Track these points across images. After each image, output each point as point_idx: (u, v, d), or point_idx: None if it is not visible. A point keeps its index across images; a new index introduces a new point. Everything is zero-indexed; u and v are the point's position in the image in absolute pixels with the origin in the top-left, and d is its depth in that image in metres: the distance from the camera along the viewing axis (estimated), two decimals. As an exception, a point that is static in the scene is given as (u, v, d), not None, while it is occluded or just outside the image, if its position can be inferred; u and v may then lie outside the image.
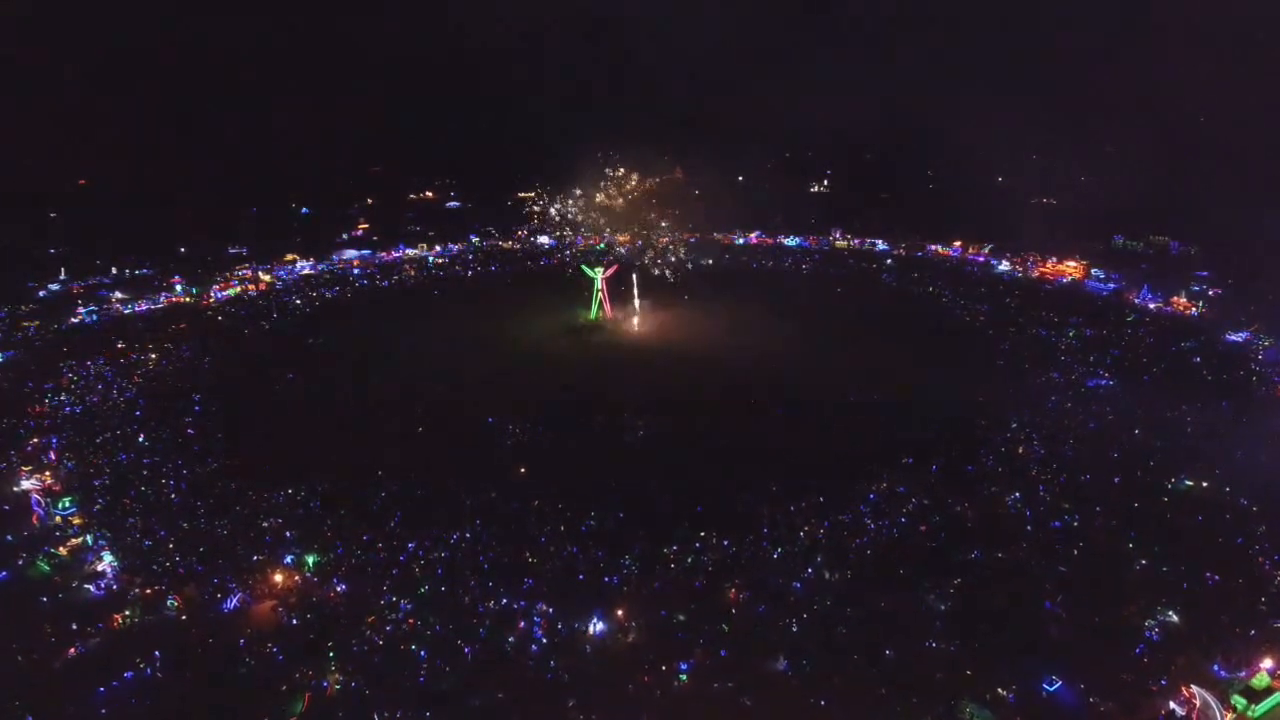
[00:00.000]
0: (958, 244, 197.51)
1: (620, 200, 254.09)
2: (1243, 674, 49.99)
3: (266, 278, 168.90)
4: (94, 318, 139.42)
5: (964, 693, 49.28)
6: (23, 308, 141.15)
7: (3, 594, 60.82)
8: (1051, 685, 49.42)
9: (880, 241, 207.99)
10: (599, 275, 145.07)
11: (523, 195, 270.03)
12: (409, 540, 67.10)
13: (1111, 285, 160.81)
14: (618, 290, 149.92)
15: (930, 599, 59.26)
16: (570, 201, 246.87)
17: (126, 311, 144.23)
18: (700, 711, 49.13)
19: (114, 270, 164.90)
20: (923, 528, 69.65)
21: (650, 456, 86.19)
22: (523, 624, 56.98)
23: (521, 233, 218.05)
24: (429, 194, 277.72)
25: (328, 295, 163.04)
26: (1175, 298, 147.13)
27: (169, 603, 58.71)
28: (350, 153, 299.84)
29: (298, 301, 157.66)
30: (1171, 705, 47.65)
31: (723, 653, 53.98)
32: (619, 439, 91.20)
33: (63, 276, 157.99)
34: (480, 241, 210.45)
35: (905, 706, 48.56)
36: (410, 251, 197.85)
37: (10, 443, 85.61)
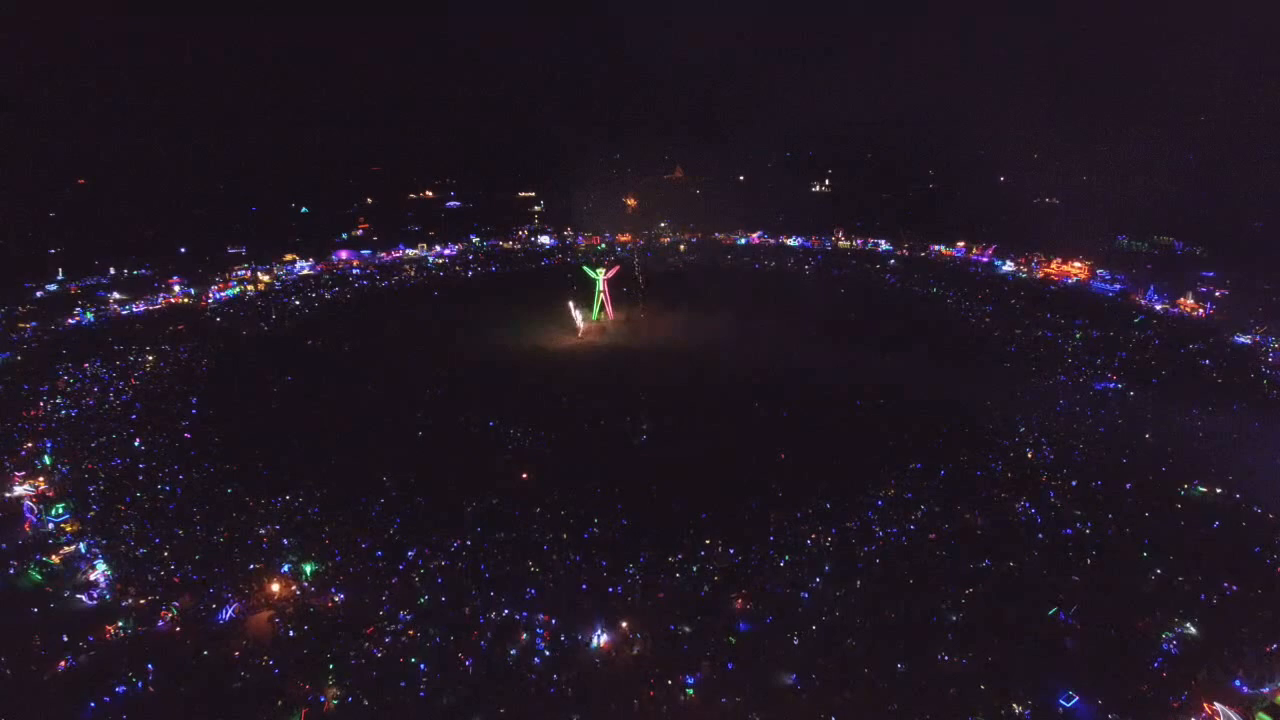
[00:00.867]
0: (961, 244, 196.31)
1: (621, 200, 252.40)
2: (1266, 689, 48.66)
3: (265, 278, 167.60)
4: (90, 318, 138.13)
5: (979, 708, 47.97)
6: (19, 308, 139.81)
7: (-6, 604, 59.47)
8: (1068, 701, 48.10)
9: (883, 242, 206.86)
10: (600, 276, 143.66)
11: (523, 195, 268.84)
12: (408, 548, 65.80)
13: (1117, 286, 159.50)
14: (619, 291, 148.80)
15: (942, 609, 57.94)
16: (571, 201, 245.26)
17: (124, 312, 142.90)
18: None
19: (112, 270, 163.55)
20: (932, 536, 68.32)
21: (653, 461, 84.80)
22: (525, 636, 55.66)
23: (522, 233, 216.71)
24: (428, 193, 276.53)
25: (326, 296, 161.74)
26: (1182, 299, 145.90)
27: (163, 613, 57.24)
28: (350, 152, 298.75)
29: (296, 302, 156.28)
30: (1193, 722, 46.47)
31: (729, 665, 52.70)
32: (622, 443, 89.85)
33: (60, 276, 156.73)
34: (481, 242, 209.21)
35: (919, 723, 47.32)
36: (410, 251, 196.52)
37: (3, 447, 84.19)
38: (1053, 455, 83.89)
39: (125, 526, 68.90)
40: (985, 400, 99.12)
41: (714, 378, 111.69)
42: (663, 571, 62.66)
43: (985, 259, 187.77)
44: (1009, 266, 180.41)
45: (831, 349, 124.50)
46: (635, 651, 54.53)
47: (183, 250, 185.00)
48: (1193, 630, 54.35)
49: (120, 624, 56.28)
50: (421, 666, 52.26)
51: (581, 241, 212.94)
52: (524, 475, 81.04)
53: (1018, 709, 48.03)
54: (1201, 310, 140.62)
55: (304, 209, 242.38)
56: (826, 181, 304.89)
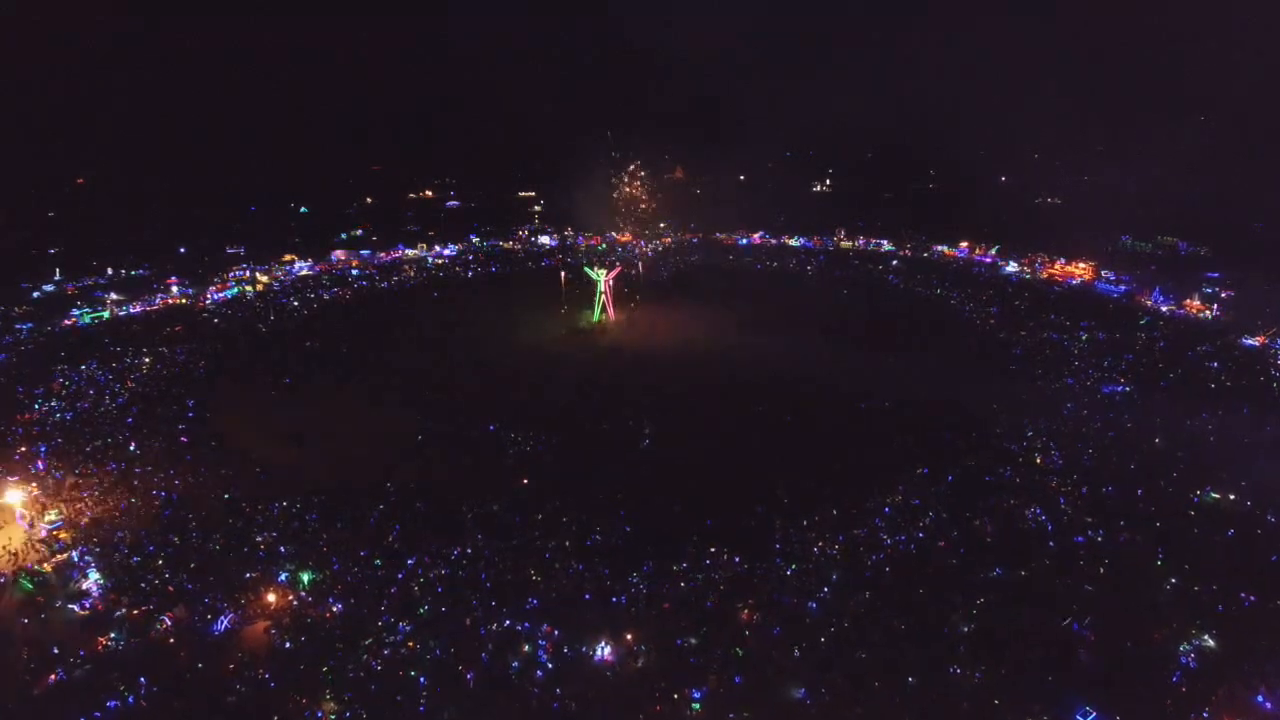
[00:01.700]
0: (964, 245, 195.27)
1: (623, 200, 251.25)
2: (1289, 706, 47.44)
3: (264, 278, 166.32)
4: (88, 319, 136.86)
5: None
6: (16, 309, 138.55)
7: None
8: (1085, 717, 46.82)
9: (885, 242, 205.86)
10: (602, 277, 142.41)
11: (523, 194, 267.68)
12: (408, 556, 64.55)
13: (1122, 287, 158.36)
14: (620, 291, 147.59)
15: (953, 620, 56.70)
16: (571, 201, 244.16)
17: (121, 313, 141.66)
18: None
19: (110, 271, 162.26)
20: (941, 543, 67.07)
21: (656, 466, 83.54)
22: (526, 647, 54.38)
23: (523, 232, 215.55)
24: (428, 193, 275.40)
25: (325, 297, 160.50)
26: (1188, 300, 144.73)
27: (157, 624, 55.96)
28: (350, 151, 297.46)
29: (295, 303, 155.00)
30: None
31: (737, 679, 51.43)
32: (624, 447, 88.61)
33: (58, 277, 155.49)
34: (481, 241, 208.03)
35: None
36: (409, 252, 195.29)
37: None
38: (1062, 460, 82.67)
39: (119, 534, 67.66)
40: (992, 404, 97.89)
41: (716, 380, 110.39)
42: (667, 582, 61.37)
43: (989, 259, 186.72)
44: (1013, 267, 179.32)
45: (834, 350, 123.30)
46: (640, 664, 53.28)
47: (181, 250, 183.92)
48: (1211, 643, 53.08)
49: (113, 635, 54.96)
50: (421, 680, 50.97)
51: (581, 241, 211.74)
52: (524, 480, 79.78)
53: (1033, 725, 46.82)
54: (1208, 312, 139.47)
55: (303, 209, 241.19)
56: (828, 181, 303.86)
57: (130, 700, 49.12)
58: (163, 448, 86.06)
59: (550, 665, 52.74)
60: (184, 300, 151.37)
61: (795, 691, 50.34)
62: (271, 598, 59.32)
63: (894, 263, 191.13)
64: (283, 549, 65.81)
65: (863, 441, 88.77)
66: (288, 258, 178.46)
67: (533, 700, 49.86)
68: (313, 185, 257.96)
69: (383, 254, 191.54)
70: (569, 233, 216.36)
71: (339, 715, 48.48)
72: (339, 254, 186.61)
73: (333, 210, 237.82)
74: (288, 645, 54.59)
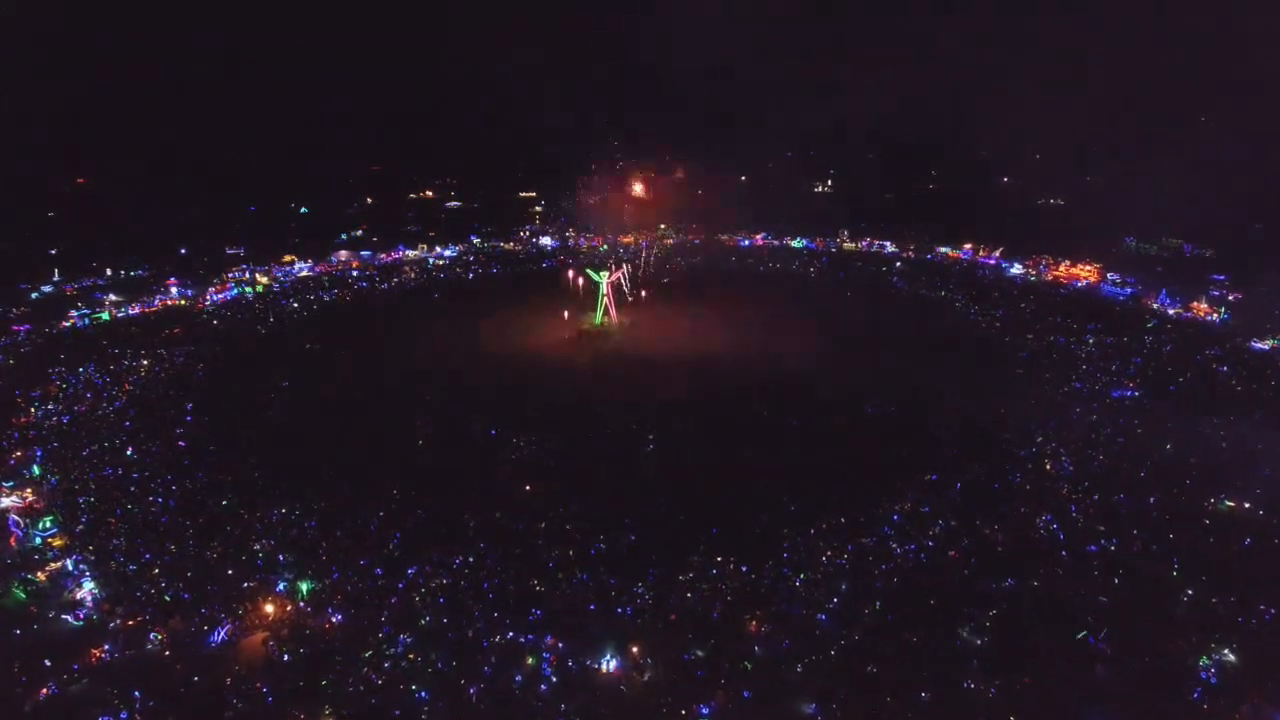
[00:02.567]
0: (968, 246, 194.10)
1: (625, 201, 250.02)
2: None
3: (264, 279, 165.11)
4: (86, 321, 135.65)
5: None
6: (14, 311, 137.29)
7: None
8: (1105, 735, 45.71)
9: (889, 244, 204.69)
10: (605, 280, 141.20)
11: (524, 195, 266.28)
12: (408, 565, 63.33)
13: (1128, 290, 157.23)
14: (621, 293, 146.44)
15: (965, 633, 55.52)
16: (572, 201, 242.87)
17: (120, 315, 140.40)
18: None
19: (109, 271, 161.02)
20: (952, 553, 65.86)
21: (660, 472, 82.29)
22: (530, 660, 53.17)
23: (524, 234, 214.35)
24: (428, 193, 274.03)
25: (325, 298, 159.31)
26: (1195, 303, 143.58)
27: (152, 636, 54.76)
28: (350, 150, 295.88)
29: (295, 305, 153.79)
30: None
31: (746, 694, 50.22)
32: (627, 453, 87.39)
33: (56, 278, 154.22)
34: (482, 243, 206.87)
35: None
36: (410, 253, 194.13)
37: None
38: (1072, 467, 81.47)
39: (115, 541, 66.46)
40: (999, 408, 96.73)
41: (719, 383, 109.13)
42: (673, 592, 60.16)
43: (992, 261, 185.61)
44: (1017, 269, 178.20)
45: (839, 353, 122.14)
46: (646, 678, 52.07)
47: (182, 251, 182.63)
48: (1232, 657, 51.87)
49: (107, 647, 53.75)
50: (422, 694, 49.76)
51: (583, 243, 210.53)
52: (527, 487, 78.57)
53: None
54: (1216, 315, 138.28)
55: (303, 209, 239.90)
56: (829, 182, 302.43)
57: (124, 715, 47.89)
58: (160, 452, 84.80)
59: (555, 679, 51.56)
60: (183, 302, 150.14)
61: (806, 707, 49.16)
62: (270, 608, 58.14)
63: (898, 264, 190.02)
64: (281, 557, 64.62)
65: (869, 447, 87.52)
66: (287, 258, 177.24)
67: (537, 716, 48.66)
68: (312, 185, 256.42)
69: (383, 255, 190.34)
70: (570, 233, 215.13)
71: (338, 731, 47.34)
72: (343, 254, 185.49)
73: (332, 210, 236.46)
74: (286, 658, 53.39)
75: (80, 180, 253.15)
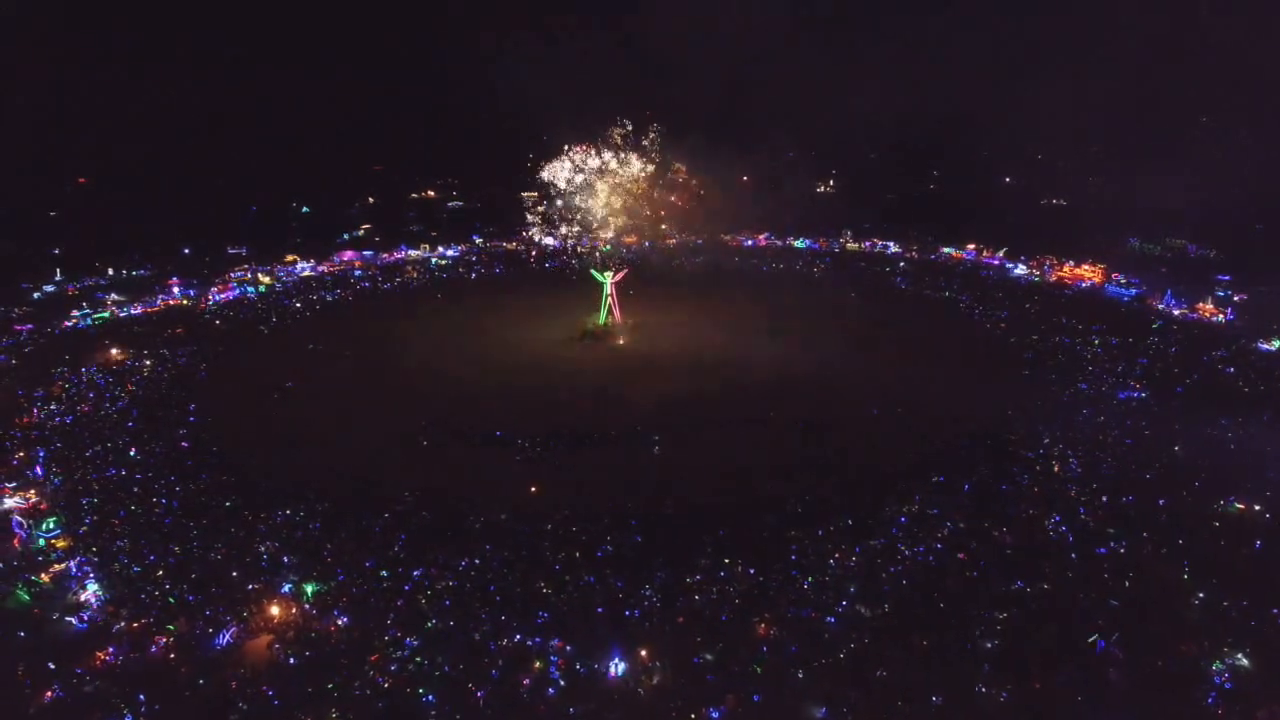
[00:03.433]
0: (971, 247, 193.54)
1: (629, 201, 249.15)
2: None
3: (266, 279, 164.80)
4: (89, 320, 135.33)
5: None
6: (16, 311, 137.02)
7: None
8: (1118, 740, 45.30)
9: (892, 244, 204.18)
10: (608, 280, 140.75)
11: (526, 194, 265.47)
12: (414, 567, 62.97)
13: (1133, 290, 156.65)
14: (625, 293, 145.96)
15: (976, 636, 55.08)
16: (574, 201, 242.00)
17: (122, 315, 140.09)
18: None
19: (111, 271, 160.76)
20: (960, 555, 65.44)
21: (667, 474, 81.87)
22: (538, 663, 52.79)
23: (526, 233, 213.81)
24: (430, 193, 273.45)
25: (328, 298, 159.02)
26: (1201, 304, 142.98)
27: (157, 638, 54.39)
28: (350, 150, 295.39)
29: (297, 305, 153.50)
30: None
31: (755, 697, 49.83)
32: (634, 455, 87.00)
33: (58, 277, 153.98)
34: (484, 242, 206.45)
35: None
36: (412, 252, 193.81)
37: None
38: (1080, 469, 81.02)
39: (119, 543, 66.12)
40: (1006, 409, 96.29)
41: (724, 384, 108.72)
42: (681, 594, 59.77)
43: (996, 262, 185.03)
44: (1021, 270, 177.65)
45: (844, 354, 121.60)
46: (655, 681, 51.68)
47: (186, 251, 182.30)
48: (1245, 661, 51.43)
49: (112, 649, 53.39)
50: (429, 698, 49.39)
51: (586, 243, 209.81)
52: (533, 489, 78.21)
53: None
54: (1222, 316, 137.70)
55: (305, 209, 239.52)
56: (831, 183, 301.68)
57: (129, 718, 47.55)
58: (163, 453, 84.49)
59: (562, 683, 51.18)
60: (185, 301, 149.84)
61: (816, 710, 48.77)
62: (275, 610, 57.79)
63: (901, 265, 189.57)
64: (286, 559, 64.29)
65: (876, 448, 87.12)
66: (290, 258, 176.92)
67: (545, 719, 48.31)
68: (314, 185, 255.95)
69: (385, 254, 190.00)
70: (573, 234, 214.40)
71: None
72: (347, 254, 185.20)
73: (335, 210, 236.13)
74: (291, 660, 53.04)
75: (82, 180, 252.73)
